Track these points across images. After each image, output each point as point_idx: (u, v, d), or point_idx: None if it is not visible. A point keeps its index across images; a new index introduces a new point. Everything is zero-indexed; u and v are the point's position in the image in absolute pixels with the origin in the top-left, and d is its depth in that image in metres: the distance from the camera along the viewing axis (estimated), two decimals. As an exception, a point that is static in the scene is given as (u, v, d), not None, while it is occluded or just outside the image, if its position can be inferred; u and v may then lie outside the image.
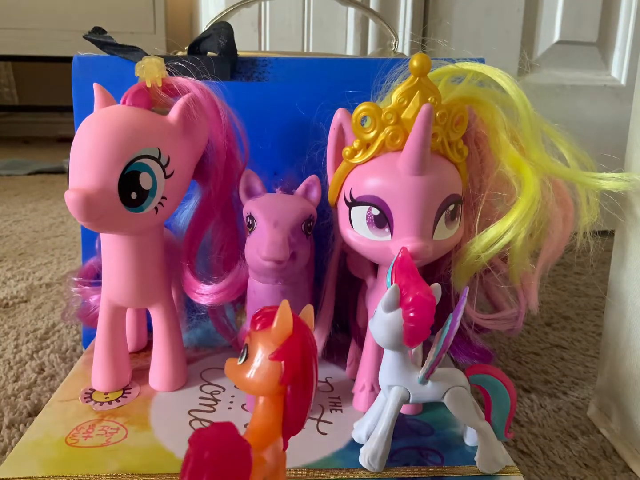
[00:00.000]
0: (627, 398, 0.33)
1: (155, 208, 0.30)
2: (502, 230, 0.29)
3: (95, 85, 0.32)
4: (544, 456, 0.33)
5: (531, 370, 0.44)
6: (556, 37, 0.80)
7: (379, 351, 0.32)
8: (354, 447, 0.29)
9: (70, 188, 0.27)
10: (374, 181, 0.28)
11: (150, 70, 0.31)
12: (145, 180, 0.29)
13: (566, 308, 0.58)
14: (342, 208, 0.30)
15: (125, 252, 0.32)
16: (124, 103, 0.31)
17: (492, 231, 0.30)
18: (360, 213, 0.29)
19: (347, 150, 0.29)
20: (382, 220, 0.28)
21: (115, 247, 0.32)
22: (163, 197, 0.30)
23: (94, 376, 0.35)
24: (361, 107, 0.28)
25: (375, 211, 0.28)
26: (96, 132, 0.28)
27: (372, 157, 0.29)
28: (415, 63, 0.27)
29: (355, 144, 0.29)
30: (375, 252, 0.29)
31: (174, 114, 0.31)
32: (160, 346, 0.35)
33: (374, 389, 0.32)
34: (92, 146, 0.28)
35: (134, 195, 0.28)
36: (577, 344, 0.49)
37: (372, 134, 0.29)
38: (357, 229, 0.29)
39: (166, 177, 0.30)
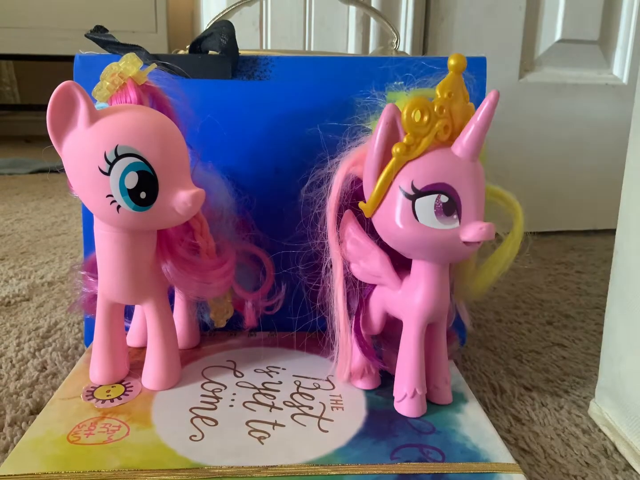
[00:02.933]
0: (628, 396, 0.33)
1: None
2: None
3: (81, 92, 0.28)
4: (544, 454, 0.33)
5: (532, 368, 0.44)
6: (558, 36, 0.80)
7: (420, 356, 0.32)
8: (356, 444, 0.29)
9: (183, 189, 0.29)
10: (439, 169, 0.29)
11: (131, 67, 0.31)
12: None
13: (567, 307, 0.58)
14: (400, 204, 0.30)
15: (118, 248, 0.32)
16: (133, 102, 0.31)
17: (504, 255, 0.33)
18: (427, 203, 0.29)
19: (398, 147, 0.29)
20: (452, 206, 0.29)
21: (108, 244, 0.32)
22: None
23: (91, 369, 0.35)
24: (413, 102, 0.29)
25: (444, 198, 0.29)
26: (172, 136, 0.30)
27: (425, 151, 0.30)
28: (452, 62, 0.29)
29: (407, 139, 0.29)
30: (443, 243, 0.29)
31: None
32: (153, 344, 0.35)
33: (417, 392, 0.32)
34: (177, 150, 0.30)
35: None
36: (578, 343, 0.49)
37: (425, 128, 0.29)
38: (423, 221, 0.29)
39: None
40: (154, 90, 0.32)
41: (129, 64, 0.31)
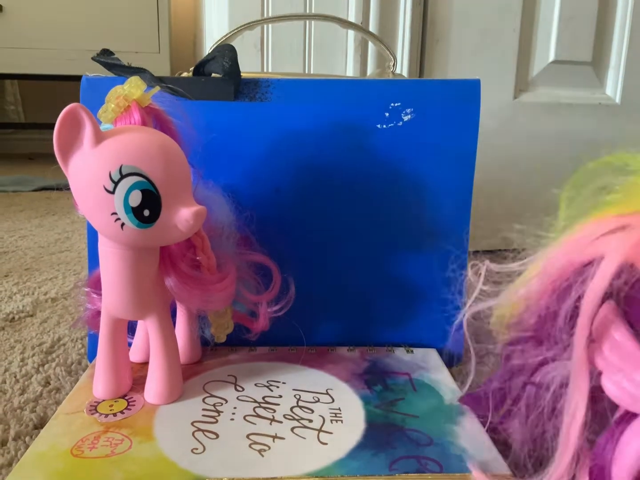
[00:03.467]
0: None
1: None
2: None
3: (87, 113, 0.29)
4: (540, 468, 0.34)
5: (529, 383, 0.44)
6: (552, 57, 0.81)
7: None
8: (355, 456, 0.30)
9: (185, 207, 0.30)
10: None
11: (135, 91, 0.32)
12: None
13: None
14: None
15: (122, 265, 0.32)
16: (137, 123, 0.32)
17: None
18: None
19: None
20: None
21: (112, 260, 0.32)
22: None
23: (95, 384, 0.36)
24: None
25: None
26: (175, 156, 0.31)
27: None
28: None
29: None
30: None
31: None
32: (156, 359, 0.35)
33: None
34: (180, 169, 0.31)
35: None
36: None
37: None
38: None
39: None
40: (158, 112, 0.34)
41: (133, 86, 0.32)
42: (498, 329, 0.30)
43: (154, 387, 0.35)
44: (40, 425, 0.37)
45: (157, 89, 0.34)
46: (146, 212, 0.30)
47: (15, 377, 0.43)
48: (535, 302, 0.27)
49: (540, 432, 0.25)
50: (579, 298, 0.24)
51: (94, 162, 0.29)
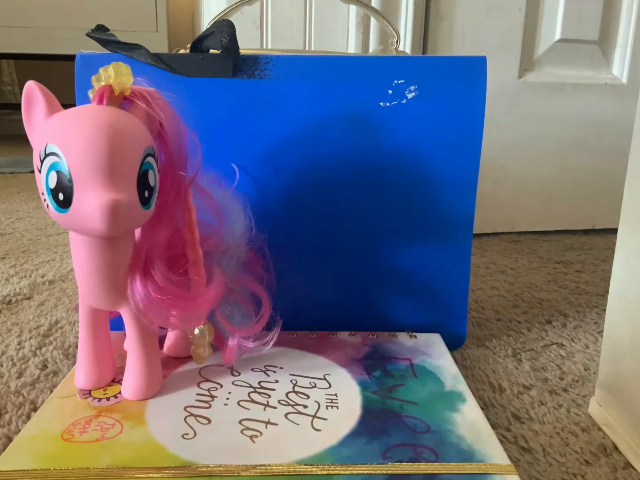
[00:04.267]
0: (629, 394, 0.33)
1: (156, 203, 0.30)
2: None
3: (41, 89, 0.28)
4: (544, 453, 0.33)
5: (531, 367, 0.44)
6: (557, 36, 0.80)
7: None
8: (347, 443, 0.29)
9: (95, 197, 0.26)
10: None
11: (118, 76, 0.30)
12: (151, 177, 0.29)
13: (566, 306, 0.58)
14: None
15: (87, 251, 0.30)
16: (99, 103, 0.29)
17: None
18: None
19: None
20: None
21: (76, 246, 0.31)
22: (157, 192, 0.31)
23: (76, 374, 0.35)
24: None
25: None
26: (113, 141, 0.27)
27: None
28: None
29: None
30: None
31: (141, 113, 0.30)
32: (132, 353, 0.33)
33: None
34: (110, 151, 0.27)
35: (146, 194, 0.29)
36: (577, 342, 0.49)
37: None
38: None
39: (157, 171, 0.30)
40: (146, 93, 0.31)
41: (111, 71, 0.30)
42: None
43: (130, 382, 0.33)
44: (37, 408, 0.36)
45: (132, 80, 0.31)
46: (60, 196, 0.27)
47: (12, 360, 0.42)
48: None
49: None
50: None
51: (37, 139, 0.29)
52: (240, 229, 0.36)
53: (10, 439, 0.33)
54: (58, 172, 0.27)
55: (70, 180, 0.27)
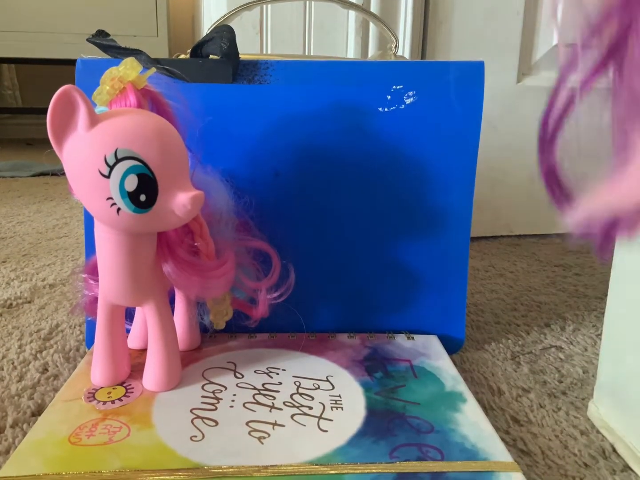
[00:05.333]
0: (628, 397, 0.34)
1: None
2: None
3: (81, 96, 0.29)
4: (543, 455, 0.34)
5: (530, 371, 0.44)
6: (555, 40, 0.80)
7: None
8: (356, 443, 0.30)
9: (182, 192, 0.30)
10: None
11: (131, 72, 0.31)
12: None
13: (565, 309, 0.58)
14: None
15: (119, 251, 0.32)
16: (132, 106, 0.31)
17: None
18: None
19: None
20: None
21: (108, 246, 0.32)
22: None
23: (92, 371, 0.35)
24: None
25: None
26: (172, 139, 0.30)
27: None
28: None
29: None
30: None
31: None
32: (154, 346, 0.35)
33: None
34: (177, 153, 0.30)
35: None
36: (576, 345, 0.49)
37: None
38: None
39: None
40: (154, 94, 0.33)
41: (128, 68, 0.31)
42: None
43: (152, 374, 0.35)
44: (38, 412, 0.36)
45: (152, 70, 0.33)
46: (142, 197, 0.29)
47: (12, 363, 0.43)
48: None
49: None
50: None
51: (89, 146, 0.29)
52: (225, 198, 0.38)
53: (12, 443, 0.33)
54: (140, 175, 0.29)
55: (154, 182, 0.29)
